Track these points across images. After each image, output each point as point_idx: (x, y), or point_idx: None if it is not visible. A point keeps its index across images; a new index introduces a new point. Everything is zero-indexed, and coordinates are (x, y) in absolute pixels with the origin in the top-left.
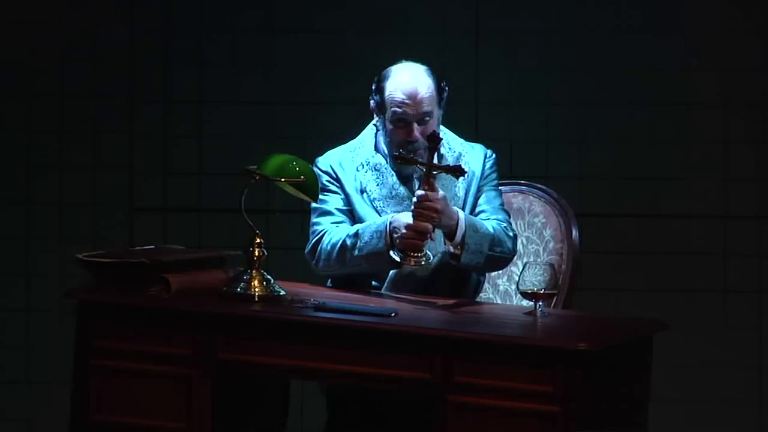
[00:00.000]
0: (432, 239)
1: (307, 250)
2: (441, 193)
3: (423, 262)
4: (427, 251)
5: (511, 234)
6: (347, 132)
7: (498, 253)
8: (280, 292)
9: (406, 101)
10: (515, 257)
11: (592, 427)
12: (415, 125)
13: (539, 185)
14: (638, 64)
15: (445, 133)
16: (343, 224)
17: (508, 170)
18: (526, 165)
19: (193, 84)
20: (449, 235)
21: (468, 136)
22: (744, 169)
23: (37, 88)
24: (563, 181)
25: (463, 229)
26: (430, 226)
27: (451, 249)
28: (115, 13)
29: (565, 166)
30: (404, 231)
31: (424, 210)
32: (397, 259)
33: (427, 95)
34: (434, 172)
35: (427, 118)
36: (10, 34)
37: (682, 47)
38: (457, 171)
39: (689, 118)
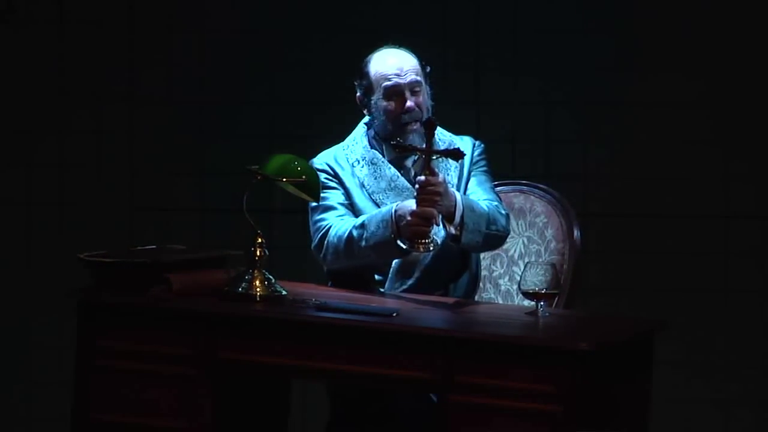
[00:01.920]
0: (437, 224)
1: (313, 246)
2: (441, 176)
3: (431, 248)
4: (434, 236)
5: (503, 212)
6: (347, 132)
7: (494, 231)
8: (281, 292)
9: (395, 71)
10: (512, 256)
11: (592, 427)
12: (408, 94)
13: (540, 185)
14: (639, 63)
15: None
16: (347, 217)
17: (510, 170)
18: (528, 165)
19: (193, 84)
20: (448, 216)
21: (476, 137)
22: (744, 168)
23: (38, 87)
24: (564, 181)
25: (461, 209)
26: (435, 211)
27: (452, 230)
28: (116, 12)
29: (566, 166)
30: (410, 218)
31: (427, 195)
32: (405, 246)
33: (413, 66)
34: (433, 157)
35: (418, 89)
36: (9, 32)
37: (683, 47)
38: (456, 154)
39: (690, 118)
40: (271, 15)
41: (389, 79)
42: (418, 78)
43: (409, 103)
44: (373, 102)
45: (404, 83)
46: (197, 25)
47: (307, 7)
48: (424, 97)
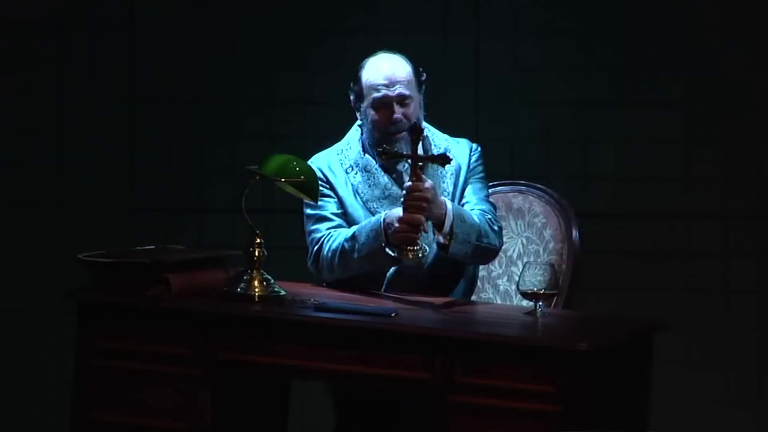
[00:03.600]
0: (425, 231)
1: (309, 263)
2: (429, 182)
3: (420, 255)
4: (423, 244)
5: (496, 227)
6: (346, 132)
7: (485, 244)
8: (280, 292)
9: (384, 82)
10: (511, 256)
11: (591, 427)
12: (396, 106)
13: (539, 185)
14: (639, 64)
15: (429, 129)
16: (340, 228)
17: (509, 170)
18: (526, 165)
19: (193, 84)
20: (438, 225)
21: (468, 136)
22: (744, 169)
23: (37, 88)
24: (563, 181)
25: (451, 218)
26: (422, 218)
27: (440, 239)
28: (116, 12)
29: (565, 166)
30: (397, 225)
31: (413, 201)
32: (393, 254)
33: (405, 77)
34: (420, 163)
35: (407, 101)
36: (10, 33)
37: (682, 47)
38: (443, 159)
39: (689, 118)
40: (270, 15)
41: (378, 90)
42: (407, 92)
43: (396, 116)
44: (362, 109)
45: (392, 95)
46: (197, 25)
47: (308, 7)
48: (414, 108)
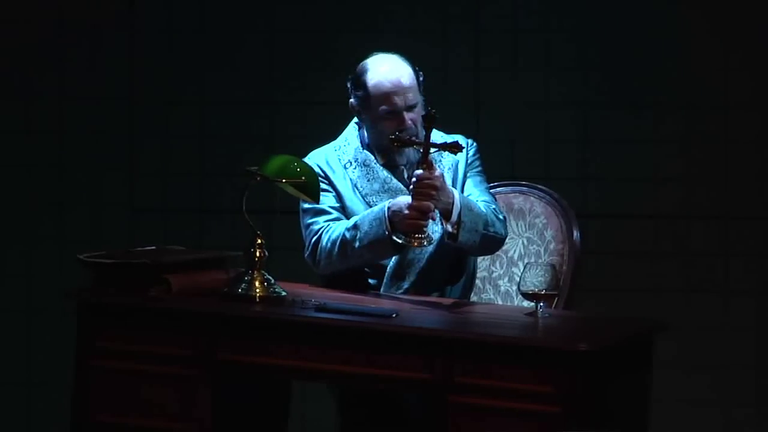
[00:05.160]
0: (434, 219)
1: (306, 254)
2: (438, 170)
3: (426, 243)
4: (429, 232)
5: (501, 217)
6: None
7: (492, 233)
8: (281, 292)
9: (395, 91)
10: (512, 257)
11: (591, 427)
12: (405, 113)
13: (540, 186)
14: (638, 64)
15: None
16: (339, 220)
17: (509, 171)
18: (527, 166)
19: (193, 84)
20: (445, 214)
21: (468, 136)
22: (744, 169)
23: (37, 88)
24: (564, 181)
25: (459, 207)
26: (431, 205)
27: (449, 228)
28: (116, 12)
29: (565, 167)
30: (407, 212)
31: (423, 189)
32: (400, 241)
33: (411, 83)
34: (431, 151)
35: (415, 107)
36: (10, 34)
37: (681, 48)
38: (455, 147)
39: (689, 118)
40: (271, 15)
41: (390, 100)
42: (415, 97)
43: (407, 122)
44: (369, 116)
45: (402, 105)
46: (197, 25)
47: (308, 7)
48: (419, 111)
